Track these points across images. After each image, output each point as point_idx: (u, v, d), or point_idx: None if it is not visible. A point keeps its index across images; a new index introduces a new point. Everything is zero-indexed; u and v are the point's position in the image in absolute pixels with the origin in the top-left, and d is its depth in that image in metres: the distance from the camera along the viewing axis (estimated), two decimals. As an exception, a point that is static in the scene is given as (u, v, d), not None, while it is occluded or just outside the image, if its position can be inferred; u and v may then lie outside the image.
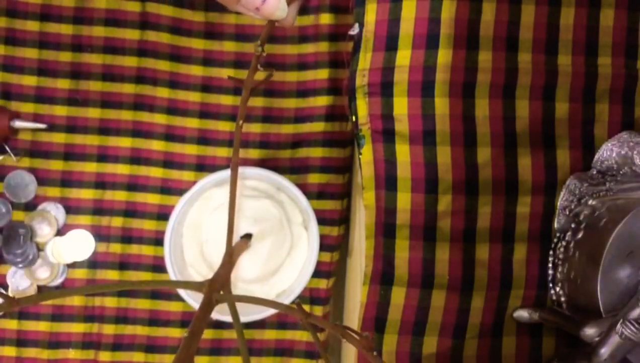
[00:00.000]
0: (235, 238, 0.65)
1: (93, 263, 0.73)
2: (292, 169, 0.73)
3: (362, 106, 0.65)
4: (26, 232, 0.72)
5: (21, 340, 0.72)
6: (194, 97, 0.73)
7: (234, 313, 0.44)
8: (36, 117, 0.72)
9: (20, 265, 0.72)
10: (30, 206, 0.73)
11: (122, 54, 0.73)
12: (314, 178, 0.73)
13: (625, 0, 0.65)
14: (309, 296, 0.73)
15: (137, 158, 0.73)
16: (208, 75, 0.73)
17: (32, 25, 0.72)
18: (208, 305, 0.41)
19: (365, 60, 0.64)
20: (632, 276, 0.58)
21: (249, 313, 0.66)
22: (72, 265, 0.73)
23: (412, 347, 0.65)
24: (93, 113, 0.73)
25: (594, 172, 0.65)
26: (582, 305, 0.61)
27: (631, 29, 0.65)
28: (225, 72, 0.73)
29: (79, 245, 0.72)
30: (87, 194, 0.73)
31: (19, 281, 0.72)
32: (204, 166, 0.73)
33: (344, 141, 0.73)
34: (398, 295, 0.64)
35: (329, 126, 0.73)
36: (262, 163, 0.73)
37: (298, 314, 0.42)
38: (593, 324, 0.57)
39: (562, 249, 0.64)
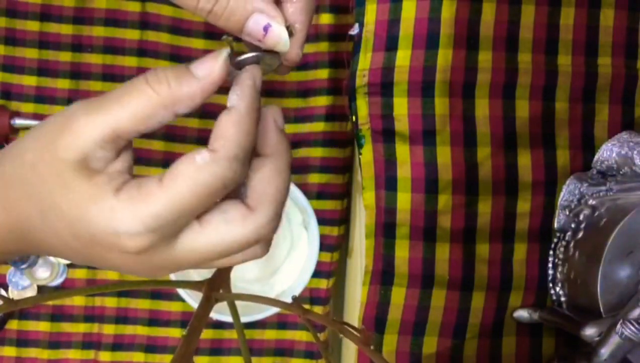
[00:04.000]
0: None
1: (93, 263, 0.73)
2: (292, 169, 0.73)
3: (362, 106, 0.65)
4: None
5: (21, 340, 0.72)
6: (194, 97, 0.73)
7: (234, 311, 0.44)
8: (36, 118, 0.72)
9: (20, 265, 0.72)
10: (30, 206, 0.73)
11: (122, 54, 0.73)
12: (314, 178, 0.73)
13: (625, 0, 0.65)
14: (309, 296, 0.72)
15: (137, 158, 0.73)
16: (208, 75, 0.73)
17: (32, 25, 0.72)
18: (207, 304, 0.41)
19: (365, 60, 0.64)
20: (632, 276, 0.58)
21: (249, 313, 0.66)
22: (72, 265, 0.73)
23: (412, 347, 0.65)
24: (93, 113, 0.72)
25: (594, 172, 0.65)
26: (582, 305, 0.61)
27: (631, 29, 0.65)
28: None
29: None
30: (87, 194, 0.73)
31: (19, 281, 0.72)
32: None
33: (344, 141, 0.73)
34: (398, 295, 0.64)
35: (329, 126, 0.73)
36: (262, 163, 0.73)
37: (296, 311, 0.42)
38: (593, 324, 0.57)
39: (562, 249, 0.64)
